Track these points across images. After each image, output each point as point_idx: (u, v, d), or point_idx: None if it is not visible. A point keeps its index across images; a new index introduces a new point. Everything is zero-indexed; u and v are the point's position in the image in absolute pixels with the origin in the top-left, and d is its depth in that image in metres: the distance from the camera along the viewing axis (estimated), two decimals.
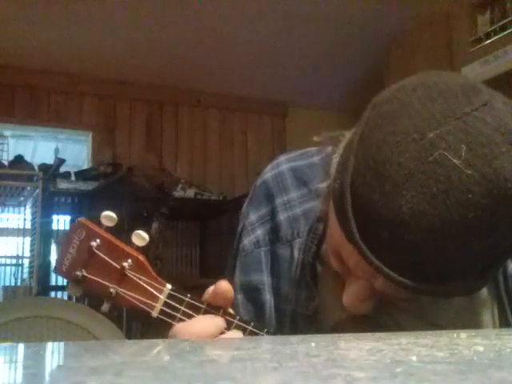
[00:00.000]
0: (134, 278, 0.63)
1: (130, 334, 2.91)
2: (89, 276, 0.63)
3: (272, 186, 0.79)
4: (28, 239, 3.41)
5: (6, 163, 3.45)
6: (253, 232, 0.79)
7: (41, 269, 3.29)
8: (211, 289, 0.64)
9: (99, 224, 0.64)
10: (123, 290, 0.63)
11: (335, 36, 3.47)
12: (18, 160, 3.50)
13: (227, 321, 0.64)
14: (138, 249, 0.64)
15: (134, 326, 3.13)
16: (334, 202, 0.58)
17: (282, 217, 0.77)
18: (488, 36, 2.79)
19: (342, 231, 0.57)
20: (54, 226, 3.53)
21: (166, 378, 0.32)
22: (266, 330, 0.66)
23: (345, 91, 4.13)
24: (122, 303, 0.64)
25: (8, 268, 3.44)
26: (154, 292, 0.63)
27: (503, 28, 2.71)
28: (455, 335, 0.49)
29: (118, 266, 0.63)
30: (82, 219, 0.65)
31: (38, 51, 3.63)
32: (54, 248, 3.47)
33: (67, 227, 3.58)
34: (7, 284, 3.38)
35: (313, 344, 0.44)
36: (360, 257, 0.55)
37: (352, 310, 0.63)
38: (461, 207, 0.50)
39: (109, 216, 0.64)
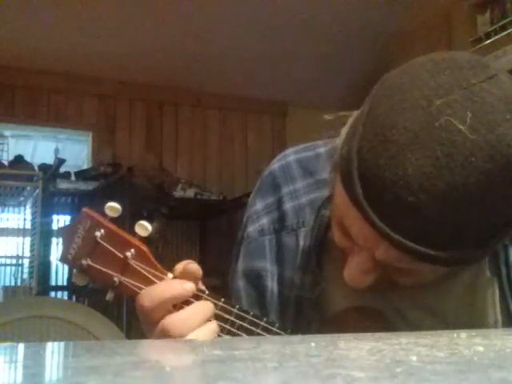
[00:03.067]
0: (137, 267, 0.65)
1: (129, 334, 2.91)
2: (93, 265, 0.65)
3: (279, 176, 0.80)
4: (28, 239, 3.41)
5: (6, 163, 3.45)
6: (258, 220, 0.80)
7: (41, 269, 3.29)
8: (180, 267, 0.65)
9: (103, 215, 0.66)
10: (126, 279, 0.65)
11: (335, 36, 3.47)
12: (18, 160, 3.50)
13: (212, 302, 0.65)
14: (141, 239, 0.65)
15: (134, 326, 3.12)
16: (340, 167, 0.59)
17: (287, 206, 0.78)
18: (488, 36, 2.79)
19: (346, 195, 0.58)
20: (54, 226, 3.53)
21: (166, 378, 0.32)
22: (265, 319, 0.67)
23: (345, 91, 4.13)
24: (125, 292, 0.65)
25: (8, 268, 3.44)
26: (156, 281, 0.65)
27: (503, 28, 2.71)
28: (455, 335, 0.49)
29: (122, 256, 0.64)
30: (86, 209, 0.66)
31: (38, 51, 3.63)
32: (54, 247, 3.47)
33: None
34: (7, 284, 3.39)
35: (313, 344, 0.44)
36: (363, 222, 0.56)
37: (353, 284, 0.64)
38: (464, 171, 0.51)
39: (113, 207, 0.65)
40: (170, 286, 0.63)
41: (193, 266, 0.64)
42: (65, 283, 3.56)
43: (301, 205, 0.77)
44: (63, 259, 0.67)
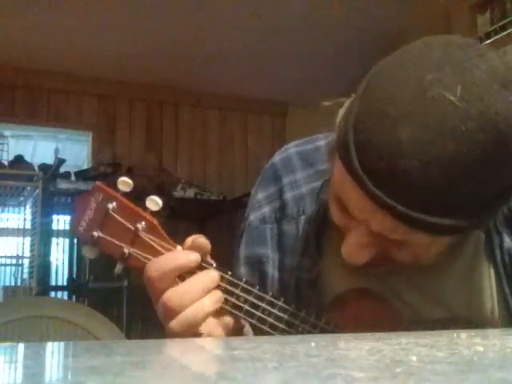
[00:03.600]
0: (147, 240, 0.66)
1: (129, 334, 2.91)
2: (104, 236, 0.66)
3: (280, 168, 0.83)
4: (28, 239, 3.40)
5: (6, 163, 3.45)
6: (259, 209, 0.82)
7: (41, 269, 3.29)
8: (190, 240, 0.67)
9: (116, 189, 0.67)
10: (136, 251, 0.66)
11: (335, 36, 3.47)
12: (18, 160, 3.50)
13: (220, 275, 0.66)
14: (151, 213, 0.67)
15: (134, 326, 3.13)
16: (337, 140, 0.62)
17: (288, 195, 0.80)
18: (488, 36, 2.79)
19: (343, 166, 0.60)
20: (54, 226, 3.53)
21: (166, 378, 0.32)
22: (270, 293, 0.68)
23: (345, 91, 4.12)
24: (134, 263, 0.66)
25: (8, 268, 3.44)
26: (165, 253, 0.66)
27: (503, 28, 2.71)
28: (455, 335, 0.49)
29: (132, 228, 0.66)
30: (99, 183, 0.69)
31: (38, 51, 3.63)
32: (54, 247, 3.47)
33: (67, 227, 3.58)
34: (7, 284, 3.38)
35: (313, 344, 0.44)
36: (359, 192, 0.58)
37: (351, 260, 0.65)
38: (455, 139, 0.54)
39: (125, 181, 0.67)
40: (175, 256, 0.65)
41: (202, 239, 0.66)
42: (65, 283, 3.55)
43: (301, 194, 0.80)
44: (74, 231, 0.68)
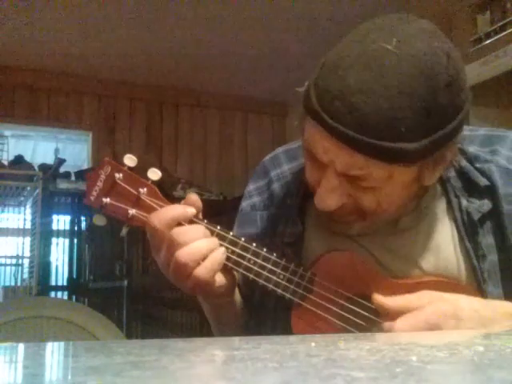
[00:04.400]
0: (148, 201, 0.78)
1: (130, 334, 2.91)
2: (112, 202, 0.79)
3: (268, 165, 0.96)
4: (28, 239, 3.41)
5: (6, 163, 3.45)
6: (250, 198, 0.95)
7: (41, 269, 3.29)
8: (183, 202, 0.78)
9: (122, 164, 0.80)
10: (139, 211, 0.78)
11: (335, 36, 3.46)
12: (18, 160, 3.50)
13: (209, 228, 0.79)
14: (152, 182, 0.79)
15: (134, 326, 3.12)
16: (303, 94, 0.74)
17: (276, 185, 0.93)
18: (488, 36, 2.79)
19: (307, 114, 0.72)
20: (54, 226, 3.53)
21: (166, 377, 0.32)
22: (254, 244, 0.79)
23: None
24: (137, 223, 0.78)
25: (8, 268, 3.44)
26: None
27: (503, 28, 2.71)
28: (455, 335, 0.49)
29: (136, 192, 0.78)
30: (108, 158, 0.81)
31: (38, 51, 3.63)
32: (54, 247, 3.47)
33: (67, 227, 3.59)
34: (7, 284, 3.39)
35: (313, 344, 0.44)
36: (321, 132, 0.70)
37: (323, 206, 0.75)
38: (394, 76, 0.67)
39: (130, 157, 0.79)
40: (174, 207, 0.77)
41: (193, 196, 0.79)
42: (65, 283, 3.55)
43: (287, 182, 0.92)
44: (87, 201, 0.80)
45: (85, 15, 3.19)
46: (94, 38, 3.46)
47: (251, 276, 0.78)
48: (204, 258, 0.74)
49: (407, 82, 0.66)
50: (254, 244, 0.79)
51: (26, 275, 3.37)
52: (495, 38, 2.74)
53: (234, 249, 0.78)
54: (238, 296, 0.89)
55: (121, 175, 0.79)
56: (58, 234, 3.57)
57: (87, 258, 3.51)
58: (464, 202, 0.81)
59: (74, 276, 3.52)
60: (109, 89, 4.08)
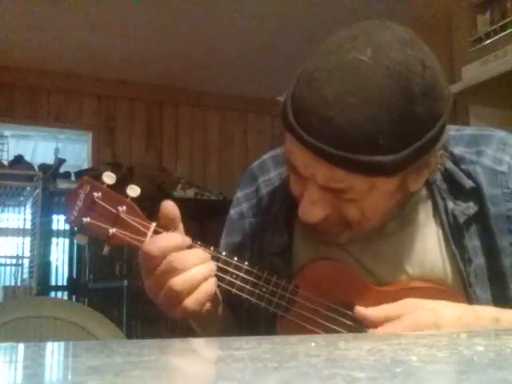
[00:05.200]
0: (127, 219, 0.78)
1: (130, 334, 2.91)
2: (92, 221, 0.78)
3: (256, 171, 0.96)
4: (28, 239, 3.40)
5: (6, 163, 3.45)
6: (238, 205, 0.95)
7: (41, 269, 3.29)
8: (160, 215, 0.78)
9: (101, 182, 0.79)
10: (119, 230, 0.77)
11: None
12: (18, 160, 3.50)
13: (204, 249, 0.78)
14: (131, 199, 0.78)
15: (134, 326, 3.12)
16: (281, 110, 0.73)
17: (264, 192, 0.93)
18: (488, 36, 2.79)
19: (285, 128, 0.72)
20: (54, 226, 3.53)
21: (166, 378, 0.32)
22: (235, 258, 0.79)
23: None
24: (118, 241, 0.78)
25: (8, 268, 3.44)
26: (142, 229, 0.78)
27: (503, 28, 2.71)
28: (455, 335, 0.49)
29: (115, 211, 0.78)
30: (86, 177, 0.80)
31: (38, 51, 3.63)
32: (54, 247, 3.47)
33: (67, 227, 3.58)
34: (7, 284, 3.38)
35: (313, 344, 0.44)
36: (300, 147, 0.69)
37: (306, 218, 0.75)
38: (368, 87, 0.66)
39: (109, 175, 0.79)
40: (173, 236, 0.76)
41: (170, 203, 0.77)
42: (65, 283, 3.55)
43: (275, 188, 0.91)
44: (67, 220, 0.80)
45: (84, 16, 3.19)
46: (93, 38, 3.46)
47: (234, 290, 0.78)
48: (196, 287, 0.73)
49: (383, 94, 0.65)
50: (236, 258, 0.79)
51: (26, 275, 3.37)
52: (495, 37, 2.74)
53: (217, 264, 0.78)
54: (221, 310, 0.87)
55: (99, 194, 0.78)
56: (58, 233, 3.57)
57: (87, 258, 3.51)
58: (450, 205, 0.80)
59: (74, 276, 3.52)
60: (109, 89, 4.08)
